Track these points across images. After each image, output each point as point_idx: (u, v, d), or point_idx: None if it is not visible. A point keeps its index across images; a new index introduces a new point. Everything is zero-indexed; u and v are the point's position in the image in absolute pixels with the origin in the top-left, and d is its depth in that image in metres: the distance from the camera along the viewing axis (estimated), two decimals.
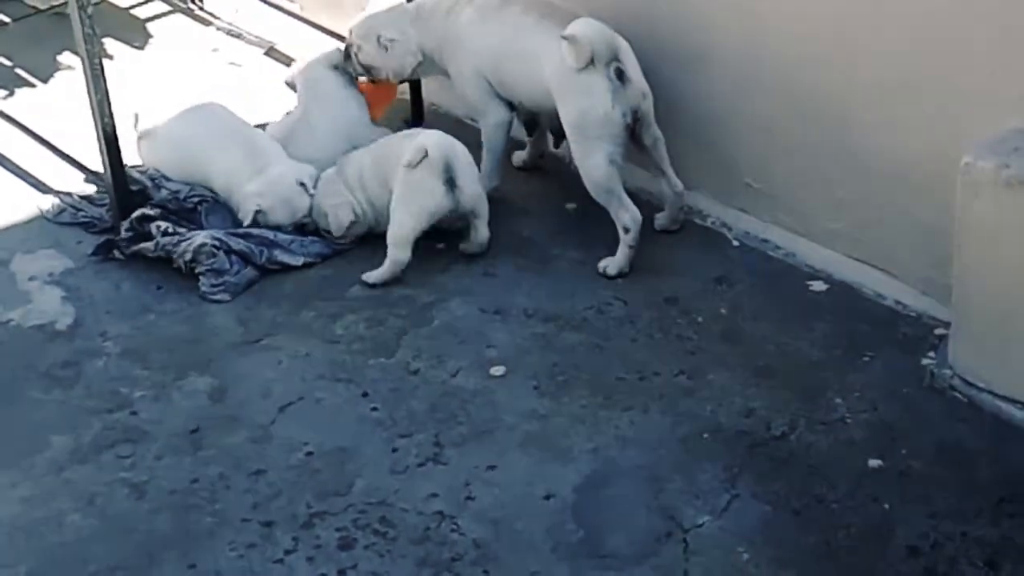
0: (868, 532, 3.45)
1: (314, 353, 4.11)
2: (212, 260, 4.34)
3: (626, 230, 4.31)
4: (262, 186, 4.51)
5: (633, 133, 4.32)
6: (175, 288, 4.39)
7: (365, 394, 3.95)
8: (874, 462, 3.65)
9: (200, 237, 4.40)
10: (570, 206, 4.68)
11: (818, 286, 4.28)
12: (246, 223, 4.48)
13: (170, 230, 4.44)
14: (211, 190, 4.64)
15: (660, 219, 4.53)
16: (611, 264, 4.34)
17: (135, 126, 4.78)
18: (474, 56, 4.55)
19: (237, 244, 4.41)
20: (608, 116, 4.24)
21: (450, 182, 4.32)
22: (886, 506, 3.51)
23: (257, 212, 4.48)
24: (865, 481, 3.59)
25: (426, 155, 4.32)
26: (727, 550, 3.42)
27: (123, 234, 4.48)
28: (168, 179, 4.66)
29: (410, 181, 4.35)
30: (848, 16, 4.00)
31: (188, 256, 4.36)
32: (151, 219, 4.48)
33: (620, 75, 4.24)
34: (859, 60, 4.02)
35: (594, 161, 4.30)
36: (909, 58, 3.90)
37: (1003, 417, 3.72)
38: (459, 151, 4.39)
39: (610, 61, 4.22)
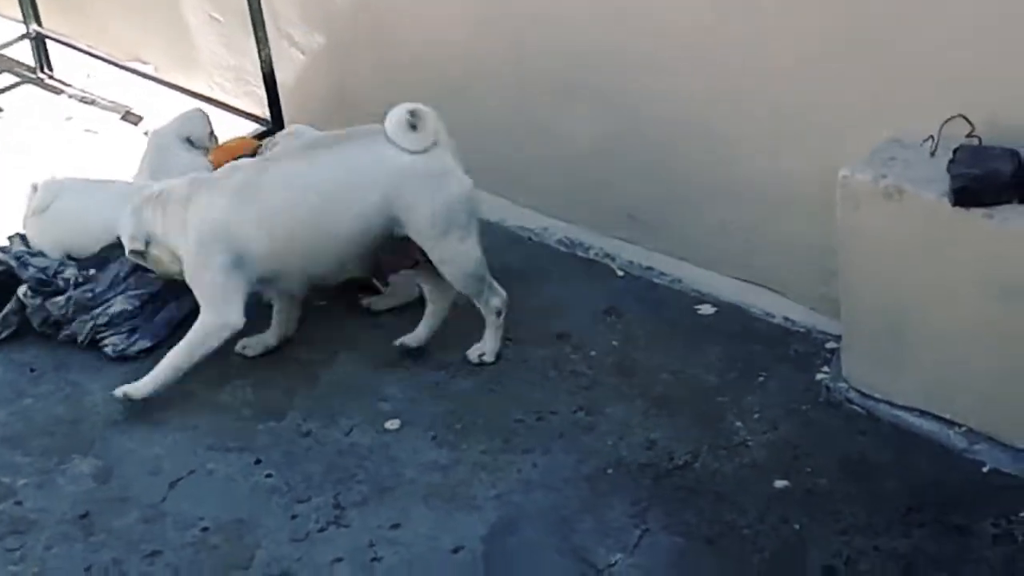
0: (782, 555, 3.42)
1: (201, 423, 3.98)
2: (130, 320, 4.25)
3: (498, 313, 4.07)
4: None
5: None
6: (49, 368, 4.23)
7: (258, 461, 3.84)
8: (780, 483, 3.62)
9: (118, 303, 4.28)
10: None
11: (706, 309, 4.27)
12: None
13: (81, 279, 4.30)
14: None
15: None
16: (487, 351, 4.10)
17: (28, 197, 4.54)
18: (236, 242, 3.95)
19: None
20: (471, 190, 3.98)
21: None
22: (797, 527, 3.49)
23: None
24: (773, 503, 3.56)
25: None
26: None
27: (26, 294, 4.31)
28: (33, 255, 4.45)
29: None
30: (717, 40, 4.00)
31: (103, 319, 4.23)
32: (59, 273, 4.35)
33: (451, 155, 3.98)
34: (730, 83, 4.03)
35: (468, 249, 3.98)
36: (781, 78, 3.91)
37: (902, 426, 3.73)
38: None
39: (441, 136, 3.96)
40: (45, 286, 4.33)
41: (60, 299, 4.28)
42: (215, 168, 4.45)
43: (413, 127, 3.91)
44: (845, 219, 3.66)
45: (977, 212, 3.41)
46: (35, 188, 4.53)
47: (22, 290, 4.33)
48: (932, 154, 3.57)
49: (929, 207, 3.49)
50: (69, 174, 4.68)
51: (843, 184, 3.62)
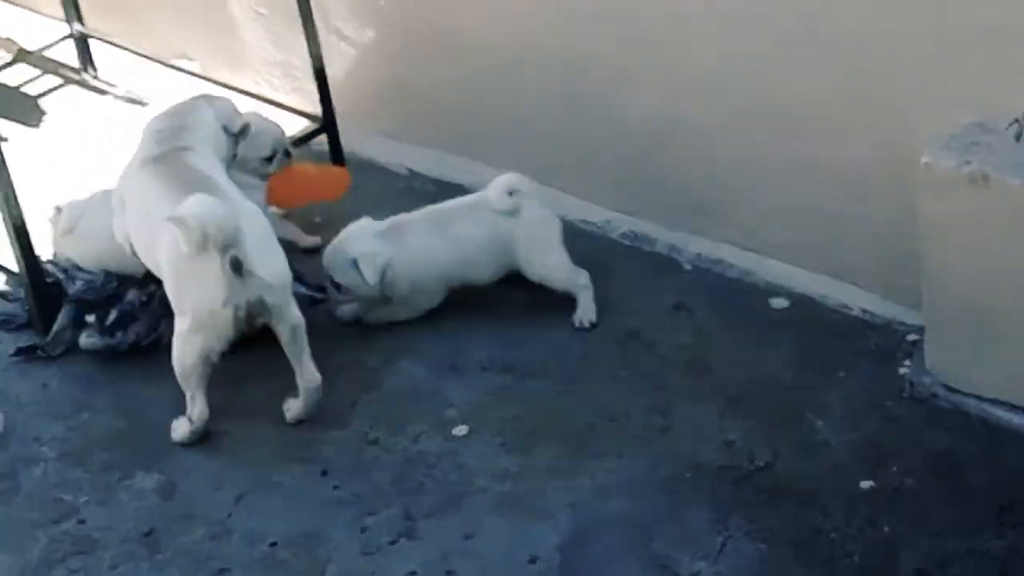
0: (872, 559, 3.31)
1: (264, 434, 3.88)
2: None
3: (191, 422, 3.85)
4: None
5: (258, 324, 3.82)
6: (107, 380, 4.13)
7: (324, 472, 3.74)
8: (866, 483, 3.50)
9: None
10: None
11: (779, 303, 4.14)
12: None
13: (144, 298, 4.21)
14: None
15: (292, 409, 3.91)
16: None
17: (52, 220, 4.42)
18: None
19: None
20: (215, 312, 3.70)
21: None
22: (885, 529, 3.37)
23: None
24: (859, 505, 3.45)
25: None
26: None
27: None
28: (80, 269, 4.34)
29: None
30: (784, 21, 3.87)
31: None
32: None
33: (236, 265, 3.65)
34: (798, 67, 3.89)
35: (189, 348, 3.77)
36: (852, 57, 3.78)
37: (991, 421, 3.60)
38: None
39: (226, 248, 3.63)
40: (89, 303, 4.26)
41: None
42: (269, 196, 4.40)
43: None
44: (926, 207, 3.53)
45: None
46: (59, 210, 4.41)
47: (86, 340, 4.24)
48: (1017, 139, 3.44)
49: (1015, 193, 3.36)
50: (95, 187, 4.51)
51: (925, 171, 3.48)
